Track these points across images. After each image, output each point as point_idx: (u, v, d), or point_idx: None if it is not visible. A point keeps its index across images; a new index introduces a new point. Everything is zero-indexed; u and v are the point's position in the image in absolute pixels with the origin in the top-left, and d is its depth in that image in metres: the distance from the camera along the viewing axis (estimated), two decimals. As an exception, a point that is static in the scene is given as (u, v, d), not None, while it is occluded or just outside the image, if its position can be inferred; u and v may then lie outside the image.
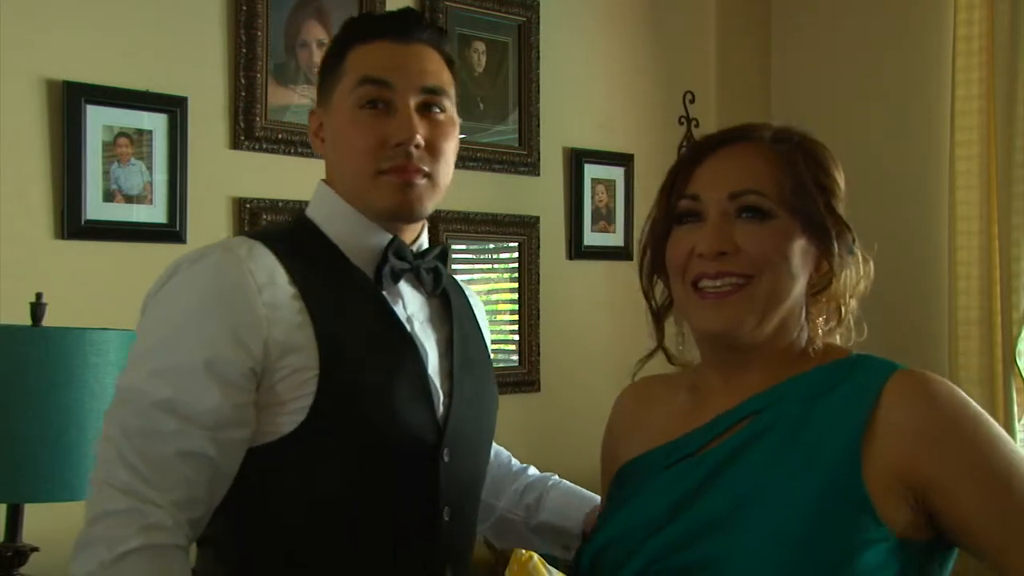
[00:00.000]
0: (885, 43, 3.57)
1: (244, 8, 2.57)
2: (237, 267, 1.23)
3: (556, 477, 1.56)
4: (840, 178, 1.23)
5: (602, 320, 3.36)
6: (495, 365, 3.27)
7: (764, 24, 3.85)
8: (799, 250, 1.18)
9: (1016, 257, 3.17)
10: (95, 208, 2.35)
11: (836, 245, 1.19)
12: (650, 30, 3.54)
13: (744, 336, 1.18)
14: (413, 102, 1.30)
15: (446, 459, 1.30)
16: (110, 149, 2.38)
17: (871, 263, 1.24)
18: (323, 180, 1.38)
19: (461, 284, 1.53)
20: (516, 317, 3.18)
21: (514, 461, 1.60)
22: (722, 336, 1.20)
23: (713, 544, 1.11)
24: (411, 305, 1.35)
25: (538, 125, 3.21)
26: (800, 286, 1.19)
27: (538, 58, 3.21)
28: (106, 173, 2.37)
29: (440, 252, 1.38)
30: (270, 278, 1.23)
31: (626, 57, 3.49)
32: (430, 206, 1.34)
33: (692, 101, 3.64)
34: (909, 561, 1.10)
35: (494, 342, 3.30)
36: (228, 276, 1.22)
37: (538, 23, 3.21)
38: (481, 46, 3.10)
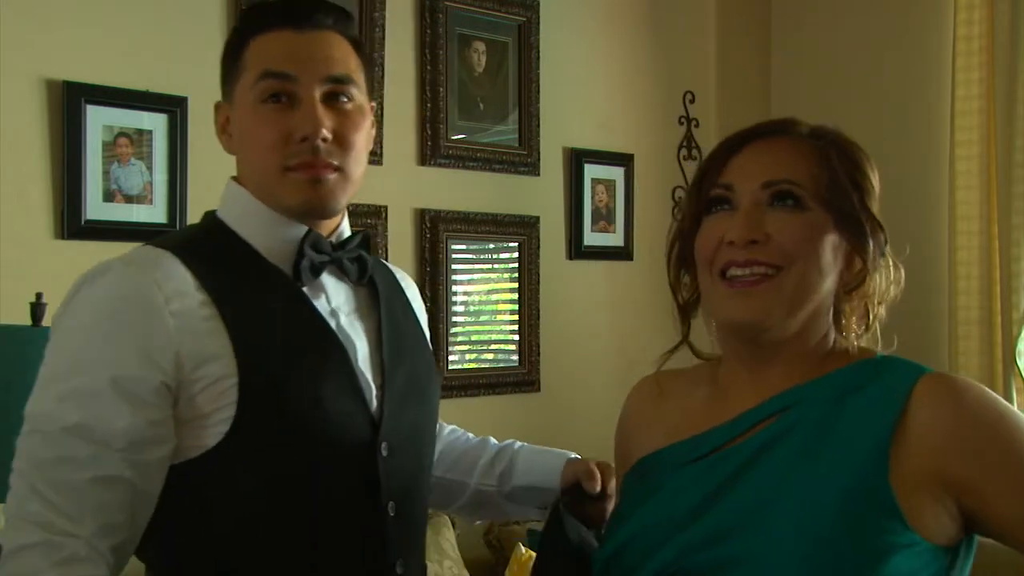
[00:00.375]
0: (885, 43, 3.57)
1: (244, 8, 2.57)
2: (141, 279, 1.17)
3: (519, 442, 1.53)
4: (875, 179, 1.22)
5: (602, 320, 3.36)
6: (495, 365, 3.30)
7: (764, 24, 3.85)
8: (831, 245, 1.17)
9: (1016, 257, 3.17)
10: (95, 208, 2.35)
11: (871, 242, 1.18)
12: (650, 30, 3.54)
13: (771, 328, 1.17)
14: (318, 93, 1.24)
15: (384, 453, 1.26)
16: (110, 149, 2.38)
17: (902, 270, 1.22)
18: (233, 178, 1.33)
19: (391, 267, 1.47)
20: (516, 317, 3.18)
21: (470, 435, 1.57)
22: (748, 327, 1.18)
23: (738, 544, 1.10)
24: (335, 298, 1.30)
25: (538, 125, 3.21)
26: (830, 282, 1.18)
27: (538, 58, 3.21)
28: (106, 173, 2.38)
29: (362, 239, 1.33)
30: (177, 287, 1.18)
31: (626, 57, 3.49)
32: (343, 200, 1.29)
33: (692, 101, 3.64)
34: (940, 568, 1.09)
35: (494, 342, 3.32)
36: (131, 289, 1.17)
37: (538, 23, 3.21)
38: (481, 46, 3.11)
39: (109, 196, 2.38)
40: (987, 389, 1.13)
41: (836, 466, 1.10)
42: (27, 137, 2.30)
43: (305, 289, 1.27)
